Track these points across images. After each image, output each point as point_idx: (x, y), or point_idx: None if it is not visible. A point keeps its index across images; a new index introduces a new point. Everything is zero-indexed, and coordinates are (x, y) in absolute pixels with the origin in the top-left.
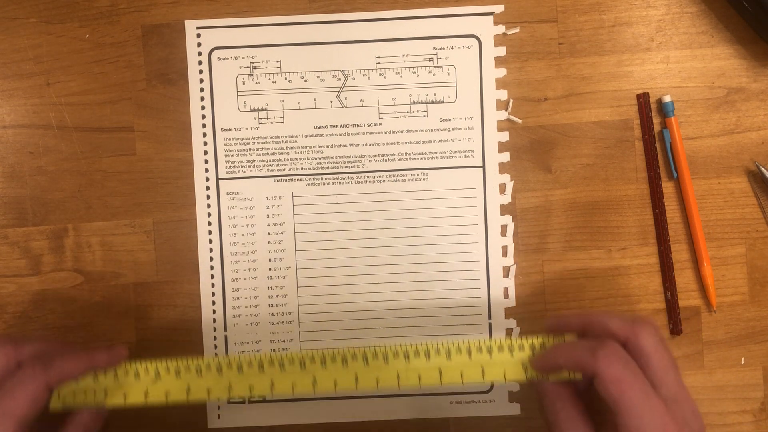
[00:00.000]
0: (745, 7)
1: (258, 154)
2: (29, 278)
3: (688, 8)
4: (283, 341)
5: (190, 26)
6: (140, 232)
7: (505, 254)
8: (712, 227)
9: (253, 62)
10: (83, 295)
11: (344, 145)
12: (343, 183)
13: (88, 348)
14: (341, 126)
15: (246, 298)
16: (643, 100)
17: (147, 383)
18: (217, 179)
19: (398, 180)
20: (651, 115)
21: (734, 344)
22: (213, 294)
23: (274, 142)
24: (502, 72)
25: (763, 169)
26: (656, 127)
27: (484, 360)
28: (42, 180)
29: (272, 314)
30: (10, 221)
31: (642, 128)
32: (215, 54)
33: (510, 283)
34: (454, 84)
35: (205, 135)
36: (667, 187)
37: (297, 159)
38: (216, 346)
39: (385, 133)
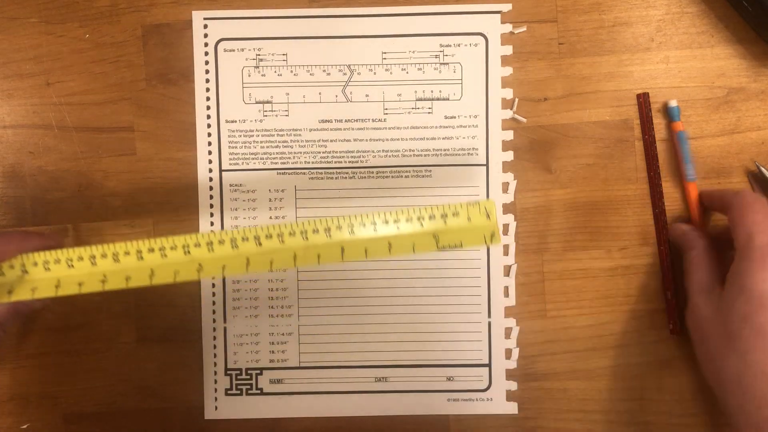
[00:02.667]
0: (745, 7)
1: (262, 147)
2: None
3: (688, 8)
4: (283, 334)
5: (197, 17)
6: (140, 232)
7: (506, 253)
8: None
9: (259, 54)
10: (83, 295)
11: (348, 140)
12: (346, 178)
13: (23, 231)
14: (346, 121)
15: (246, 290)
16: (643, 100)
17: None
18: (221, 171)
19: (401, 176)
20: (651, 115)
21: None
22: (213, 294)
23: (278, 135)
24: (508, 71)
25: (763, 169)
26: (656, 128)
27: (390, 234)
28: (42, 180)
29: (272, 307)
30: (10, 221)
31: (642, 128)
32: (221, 45)
33: (510, 282)
34: (460, 81)
35: (209, 126)
36: (667, 187)
37: (301, 153)
38: (215, 338)
39: (389, 128)
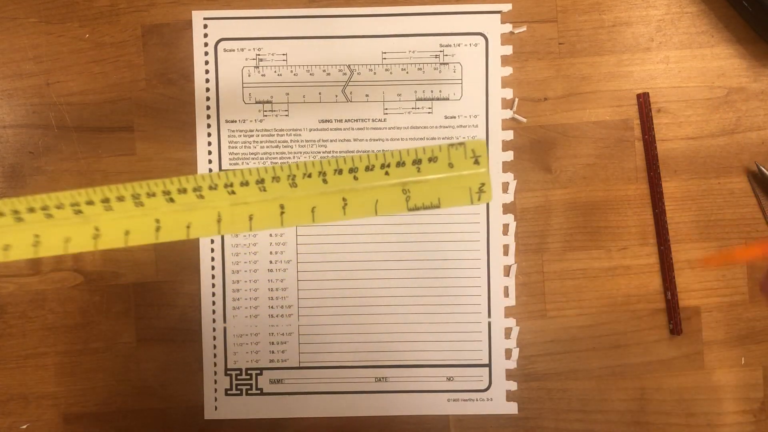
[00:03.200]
0: (745, 6)
1: (262, 147)
2: (29, 278)
3: (688, 8)
4: (283, 334)
5: (197, 17)
6: None
7: (506, 253)
8: (712, 227)
9: (259, 54)
10: (83, 295)
11: (348, 140)
12: None
13: None
14: (346, 120)
15: (246, 290)
16: (643, 100)
17: None
18: (221, 171)
19: None
20: (651, 115)
21: (734, 344)
22: (213, 294)
23: (278, 135)
24: (508, 71)
25: (763, 169)
26: (656, 128)
27: (345, 188)
28: (42, 180)
29: (272, 307)
30: None
31: (642, 128)
32: (221, 45)
33: (510, 282)
34: (460, 81)
35: (209, 126)
36: (667, 187)
37: (301, 152)
38: (215, 338)
39: (389, 128)
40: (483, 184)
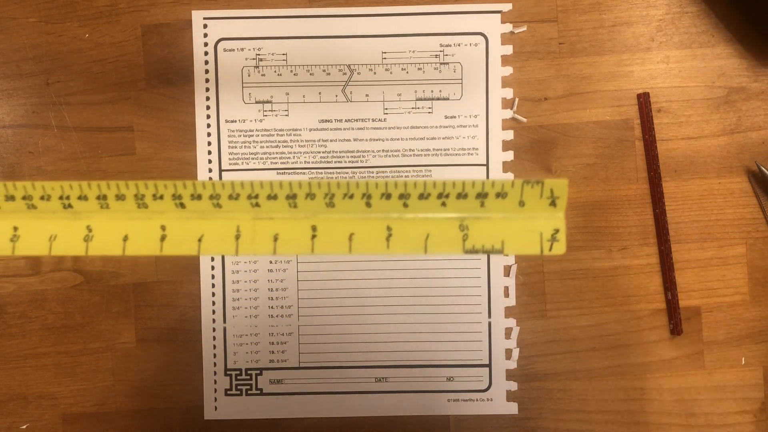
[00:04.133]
0: (745, 6)
1: (262, 147)
2: (29, 278)
3: (688, 8)
4: (282, 334)
5: (197, 17)
6: None
7: None
8: (712, 227)
9: (259, 54)
10: (83, 295)
11: (348, 140)
12: (346, 177)
13: None
14: (345, 120)
15: (246, 290)
16: (643, 99)
17: None
18: (220, 171)
19: (401, 176)
20: (651, 114)
21: (734, 344)
22: (213, 294)
23: (278, 134)
24: (508, 70)
25: (763, 169)
26: (656, 127)
27: (393, 213)
28: (42, 180)
29: (272, 307)
30: None
31: (642, 128)
32: (221, 45)
33: (510, 282)
34: (460, 81)
35: (209, 126)
36: (668, 187)
37: (300, 152)
38: (215, 338)
39: (389, 128)
40: (557, 231)
